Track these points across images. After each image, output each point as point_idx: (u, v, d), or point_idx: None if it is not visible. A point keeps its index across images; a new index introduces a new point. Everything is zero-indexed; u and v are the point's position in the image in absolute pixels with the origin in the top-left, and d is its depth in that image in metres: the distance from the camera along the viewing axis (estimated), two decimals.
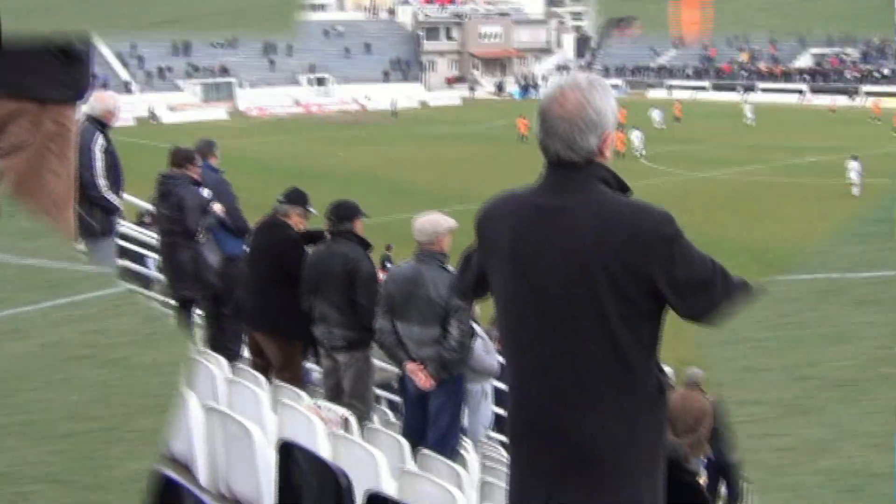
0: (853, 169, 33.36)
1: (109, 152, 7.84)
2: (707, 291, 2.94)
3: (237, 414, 5.14)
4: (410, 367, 6.64)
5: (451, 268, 6.48)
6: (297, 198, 8.04)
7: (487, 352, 7.55)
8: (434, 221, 6.74)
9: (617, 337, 2.96)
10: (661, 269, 2.91)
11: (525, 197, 3.15)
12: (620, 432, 3.02)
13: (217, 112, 77.42)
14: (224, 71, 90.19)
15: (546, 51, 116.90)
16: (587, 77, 3.08)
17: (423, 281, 6.56)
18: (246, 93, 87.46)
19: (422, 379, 6.60)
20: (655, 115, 59.44)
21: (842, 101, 76.18)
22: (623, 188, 3.07)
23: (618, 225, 2.93)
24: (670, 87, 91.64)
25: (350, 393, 7.27)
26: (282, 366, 7.80)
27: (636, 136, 45.32)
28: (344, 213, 7.36)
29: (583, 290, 2.95)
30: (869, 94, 79.30)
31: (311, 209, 8.11)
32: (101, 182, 7.69)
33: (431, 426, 6.75)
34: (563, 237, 2.98)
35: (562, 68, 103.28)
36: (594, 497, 3.04)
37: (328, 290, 7.21)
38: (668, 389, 3.18)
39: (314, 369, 8.88)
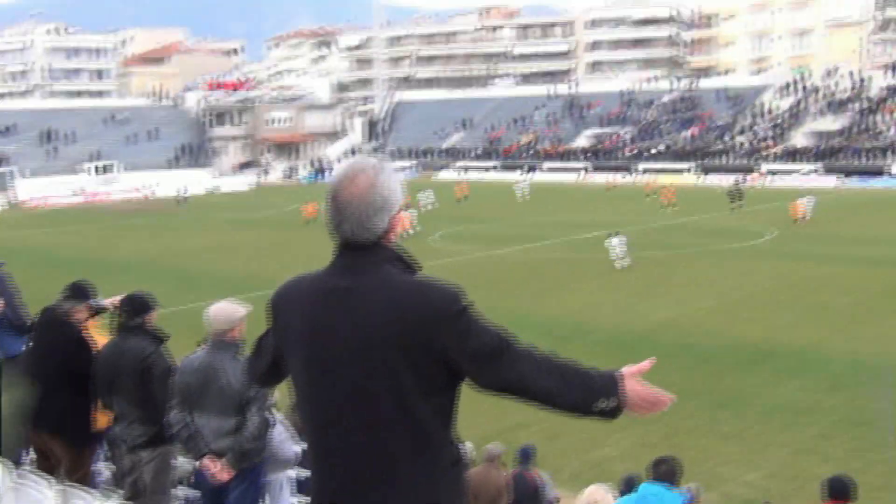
0: (616, 245, 34.94)
1: None
2: (498, 360, 3.05)
3: None
4: (205, 462, 6.52)
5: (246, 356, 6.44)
6: (79, 293, 7.74)
7: (287, 439, 7.48)
8: (229, 310, 6.67)
9: (414, 412, 3.05)
10: (454, 343, 3.02)
11: (317, 279, 3.21)
12: None
13: None
14: (1, 160, 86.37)
15: (336, 134, 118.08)
16: (375, 161, 3.20)
17: (219, 370, 6.48)
18: (25, 182, 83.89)
19: (219, 472, 6.49)
20: (424, 196, 59.08)
21: (618, 178, 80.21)
22: (411, 267, 3.18)
23: (409, 303, 3.04)
24: (464, 168, 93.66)
25: (151, 489, 7.06)
26: (70, 467, 7.49)
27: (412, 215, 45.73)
28: (138, 306, 7.18)
29: (378, 369, 3.03)
30: (645, 170, 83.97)
31: (97, 302, 7.83)
32: None
33: None
34: (355, 317, 3.06)
35: (352, 152, 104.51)
36: None
37: (124, 387, 7.00)
38: (465, 461, 3.28)
39: (105, 469, 8.54)
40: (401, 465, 3.08)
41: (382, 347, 3.03)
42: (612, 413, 3.09)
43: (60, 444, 7.54)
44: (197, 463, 6.68)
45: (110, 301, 7.82)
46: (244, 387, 6.40)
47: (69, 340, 7.53)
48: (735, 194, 56.24)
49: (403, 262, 3.18)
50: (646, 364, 3.16)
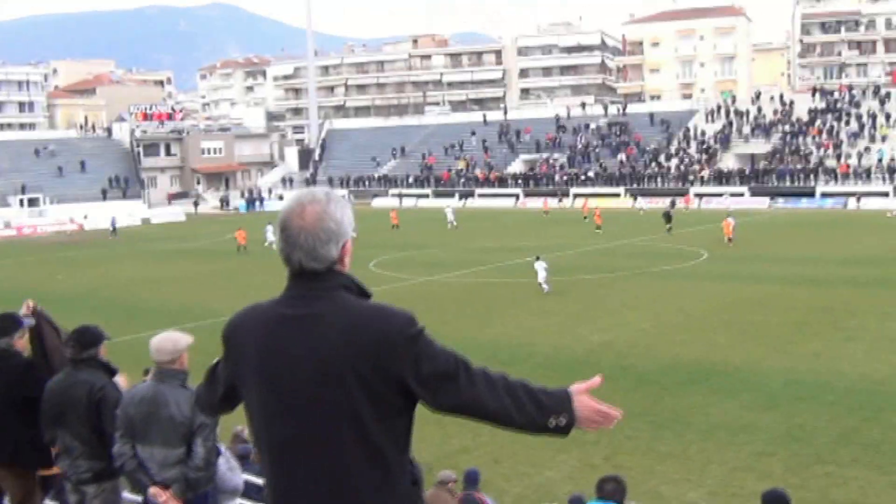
0: (540, 268, 35.29)
1: None
2: (454, 381, 3.10)
3: None
4: (153, 490, 6.42)
5: (191, 385, 6.41)
6: (10, 325, 7.56)
7: (231, 469, 7.39)
8: (173, 339, 6.61)
9: (372, 437, 3.07)
10: (409, 367, 3.05)
11: (270, 308, 3.22)
12: None
13: None
14: None
15: (269, 163, 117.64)
16: (324, 191, 3.24)
17: (164, 401, 6.41)
18: None
19: (166, 501, 6.40)
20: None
21: (553, 202, 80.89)
22: (363, 293, 3.21)
23: (364, 329, 3.06)
24: (399, 196, 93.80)
25: None
26: (21, 499, 7.33)
27: None
28: (88, 339, 7.05)
29: (335, 395, 3.04)
30: (577, 195, 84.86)
31: (27, 320, 7.65)
32: None
33: None
34: (311, 344, 3.07)
35: (286, 180, 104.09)
36: None
37: (72, 421, 6.87)
38: (422, 482, 3.30)
39: None
40: (360, 487, 3.08)
41: (339, 372, 3.04)
42: (564, 429, 3.17)
43: (11, 475, 7.39)
44: (141, 498, 6.57)
45: (24, 307, 7.72)
46: (191, 416, 6.33)
47: (15, 368, 7.37)
48: (668, 216, 57.06)
49: (357, 288, 3.21)
50: (595, 380, 3.25)
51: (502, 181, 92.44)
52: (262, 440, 3.24)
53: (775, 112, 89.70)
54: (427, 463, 15.57)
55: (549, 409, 3.13)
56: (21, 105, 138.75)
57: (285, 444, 3.14)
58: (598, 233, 56.49)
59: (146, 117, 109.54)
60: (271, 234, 48.06)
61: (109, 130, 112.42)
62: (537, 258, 36.14)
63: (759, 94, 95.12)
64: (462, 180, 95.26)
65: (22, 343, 7.55)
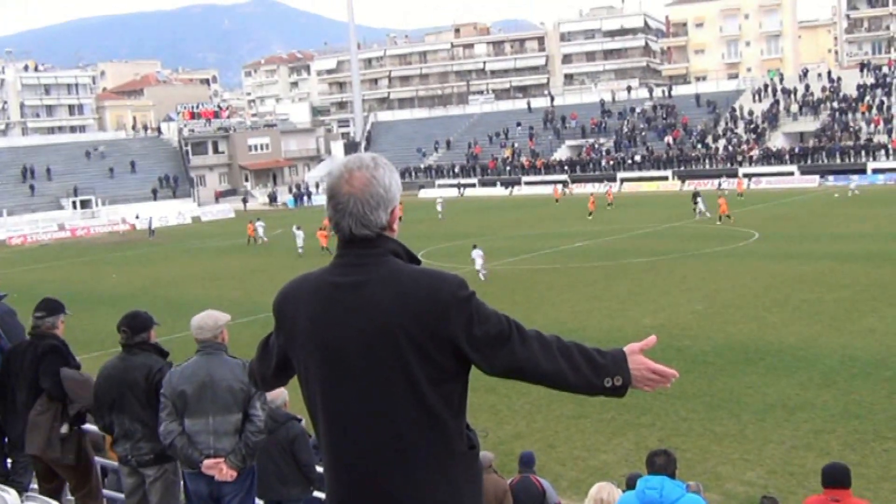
0: (477, 257, 35.42)
1: None
2: (505, 345, 3.09)
3: None
4: (208, 462, 6.59)
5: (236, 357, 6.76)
6: (57, 307, 7.75)
7: None
8: (214, 316, 6.87)
9: (428, 401, 3.08)
10: (461, 329, 3.05)
11: (320, 277, 3.24)
12: (443, 496, 3.14)
13: None
14: None
15: (316, 158, 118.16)
16: (371, 156, 3.23)
17: (218, 371, 6.62)
18: (5, 221, 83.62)
19: (223, 471, 6.57)
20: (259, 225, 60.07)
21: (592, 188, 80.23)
22: (413, 259, 3.22)
23: (415, 293, 3.07)
24: (459, 186, 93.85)
25: None
26: (76, 485, 7.48)
27: None
28: (140, 324, 7.23)
29: (389, 361, 3.06)
30: (624, 179, 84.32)
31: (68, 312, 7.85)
32: None
33: None
34: (363, 311, 3.09)
35: None
36: None
37: (131, 404, 7.02)
38: (479, 447, 3.31)
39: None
40: (416, 453, 3.11)
41: (392, 337, 3.05)
42: (620, 390, 3.14)
43: (63, 465, 7.51)
44: (197, 468, 6.72)
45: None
46: (243, 384, 6.56)
47: (46, 349, 7.51)
48: (695, 199, 56.70)
49: (406, 254, 3.22)
50: (650, 340, 3.23)
51: (549, 168, 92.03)
52: (319, 408, 3.25)
53: (823, 89, 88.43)
54: (484, 428, 15.65)
55: (604, 370, 3.12)
56: (71, 108, 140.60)
57: (342, 412, 3.16)
58: (589, 219, 57.20)
59: (193, 116, 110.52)
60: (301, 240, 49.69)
61: (159, 130, 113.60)
62: (474, 246, 36.62)
63: (807, 71, 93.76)
64: (508, 168, 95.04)
65: (62, 328, 7.70)
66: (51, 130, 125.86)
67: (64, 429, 7.33)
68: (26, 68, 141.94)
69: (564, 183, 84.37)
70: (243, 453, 6.63)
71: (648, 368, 3.15)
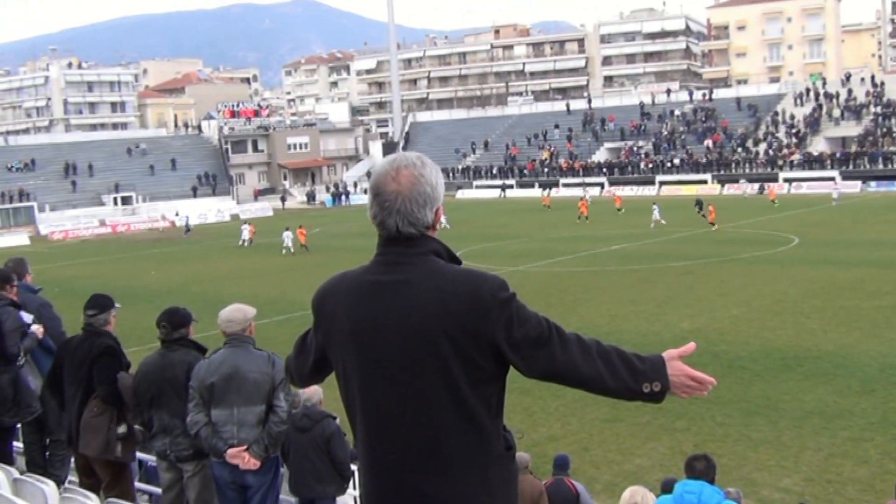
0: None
1: None
2: (545, 347, 3.08)
3: None
4: (232, 451, 6.68)
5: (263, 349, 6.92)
6: (108, 303, 7.82)
7: None
8: (242, 310, 7.00)
9: (466, 401, 3.08)
10: (501, 331, 3.04)
11: (360, 275, 3.24)
12: (480, 497, 3.14)
13: (18, 237, 74.50)
14: (22, 195, 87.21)
15: (354, 158, 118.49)
16: (416, 155, 3.23)
17: (245, 363, 6.73)
18: (47, 216, 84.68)
19: (246, 460, 6.66)
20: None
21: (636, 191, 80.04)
22: (454, 259, 3.21)
23: (457, 293, 3.06)
24: (502, 187, 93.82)
25: (196, 502, 7.13)
26: (110, 483, 7.55)
27: None
28: (178, 320, 7.32)
29: (429, 360, 3.06)
30: (663, 183, 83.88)
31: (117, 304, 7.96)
32: None
33: None
34: (404, 310, 3.09)
35: (371, 174, 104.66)
36: None
37: (171, 400, 7.10)
38: (515, 447, 3.31)
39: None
40: (454, 454, 3.10)
41: (432, 337, 3.05)
42: (658, 395, 3.13)
43: (102, 460, 7.59)
44: (222, 457, 6.81)
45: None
46: (272, 373, 6.71)
47: (100, 348, 7.58)
48: (700, 205, 56.51)
49: (448, 253, 3.22)
50: (690, 346, 3.20)
51: (587, 170, 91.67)
52: (357, 407, 3.25)
53: (866, 94, 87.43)
54: (518, 430, 15.59)
55: (643, 375, 3.10)
56: (113, 105, 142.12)
57: (381, 410, 3.17)
58: (579, 222, 57.61)
59: (233, 114, 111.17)
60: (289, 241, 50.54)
61: (200, 128, 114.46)
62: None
63: (850, 75, 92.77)
64: (545, 170, 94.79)
65: (114, 323, 7.78)
66: (93, 127, 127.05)
67: (122, 429, 7.41)
68: (70, 66, 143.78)
69: (549, 187, 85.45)
70: (266, 443, 6.74)
71: (687, 375, 3.13)
